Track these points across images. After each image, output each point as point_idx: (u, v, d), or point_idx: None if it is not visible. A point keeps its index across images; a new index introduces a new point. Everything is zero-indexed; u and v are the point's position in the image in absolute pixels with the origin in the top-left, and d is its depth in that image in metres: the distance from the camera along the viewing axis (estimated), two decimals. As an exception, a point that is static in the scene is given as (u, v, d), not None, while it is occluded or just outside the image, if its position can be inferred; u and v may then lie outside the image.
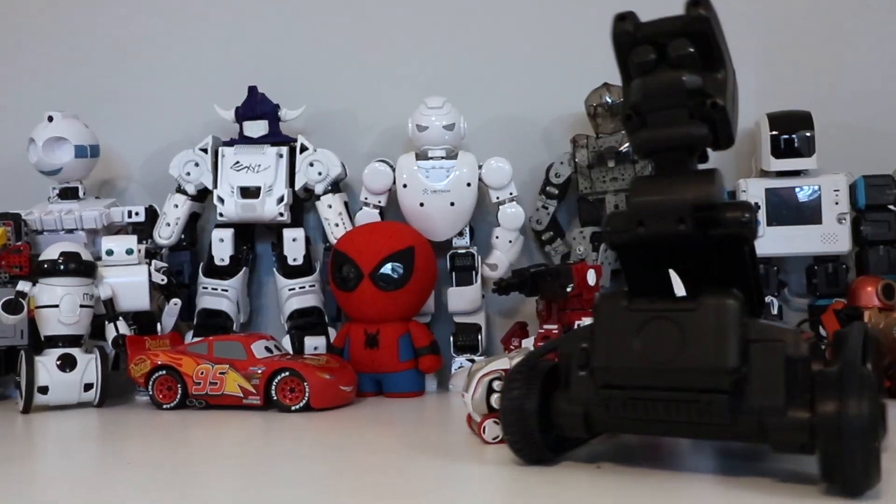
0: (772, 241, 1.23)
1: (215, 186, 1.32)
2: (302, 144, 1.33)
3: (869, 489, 0.56)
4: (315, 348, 1.29)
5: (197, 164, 1.33)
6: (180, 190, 1.34)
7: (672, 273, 0.98)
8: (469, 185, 1.29)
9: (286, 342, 1.29)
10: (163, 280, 1.25)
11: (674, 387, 0.64)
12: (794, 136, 1.23)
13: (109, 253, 1.24)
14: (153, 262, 1.25)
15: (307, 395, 1.06)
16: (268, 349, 1.13)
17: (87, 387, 1.14)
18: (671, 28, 0.65)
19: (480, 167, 1.30)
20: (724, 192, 0.67)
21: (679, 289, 0.83)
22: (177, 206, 1.34)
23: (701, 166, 0.67)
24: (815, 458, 0.58)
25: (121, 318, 1.22)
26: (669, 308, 0.67)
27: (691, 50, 0.64)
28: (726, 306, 0.63)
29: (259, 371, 1.08)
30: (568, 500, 0.65)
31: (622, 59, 0.69)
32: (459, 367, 1.29)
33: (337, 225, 1.32)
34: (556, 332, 1.08)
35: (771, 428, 0.60)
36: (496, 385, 0.78)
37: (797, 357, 0.61)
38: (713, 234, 0.64)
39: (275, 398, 1.07)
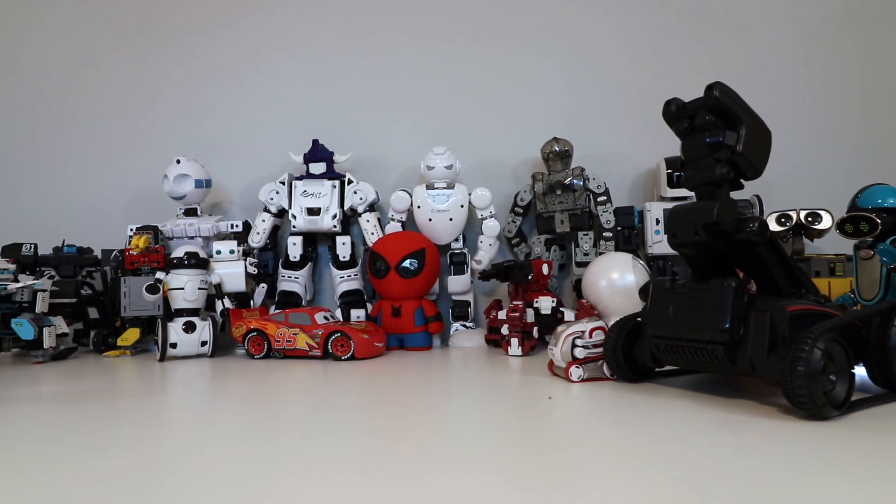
0: (667, 245, 1.22)
1: (290, 207, 1.32)
2: (349, 178, 1.34)
3: (817, 413, 0.58)
4: (357, 317, 1.29)
5: (278, 192, 1.33)
6: (266, 210, 1.34)
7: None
8: (462, 206, 1.29)
9: (338, 313, 1.29)
10: (254, 271, 1.26)
11: (691, 339, 0.69)
12: (682, 172, 1.23)
13: (218, 252, 1.24)
14: (248, 258, 1.26)
15: (353, 348, 1.06)
16: (325, 318, 1.13)
17: (203, 343, 1.15)
18: (697, 105, 0.69)
19: (470, 194, 1.30)
20: (733, 211, 0.68)
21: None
22: (263, 220, 1.34)
23: (737, 193, 0.70)
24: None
25: (226, 297, 1.22)
26: (691, 288, 0.71)
27: (708, 118, 0.67)
28: (723, 287, 0.66)
29: (320, 332, 1.08)
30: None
31: (672, 128, 0.72)
32: (455, 331, 1.29)
33: (372, 234, 1.32)
34: (521, 306, 1.09)
35: (758, 368, 0.64)
36: (578, 342, 0.81)
37: (779, 322, 0.63)
38: (735, 239, 0.68)
39: (330, 351, 1.08)
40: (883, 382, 0.70)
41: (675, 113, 0.71)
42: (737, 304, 0.65)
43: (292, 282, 1.32)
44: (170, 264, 1.17)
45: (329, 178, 1.33)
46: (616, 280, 1.10)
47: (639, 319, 0.79)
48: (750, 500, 0.41)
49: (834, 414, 0.60)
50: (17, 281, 1.11)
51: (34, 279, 1.14)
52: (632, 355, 0.80)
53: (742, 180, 0.70)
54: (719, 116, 0.67)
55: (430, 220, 1.29)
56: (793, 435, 0.55)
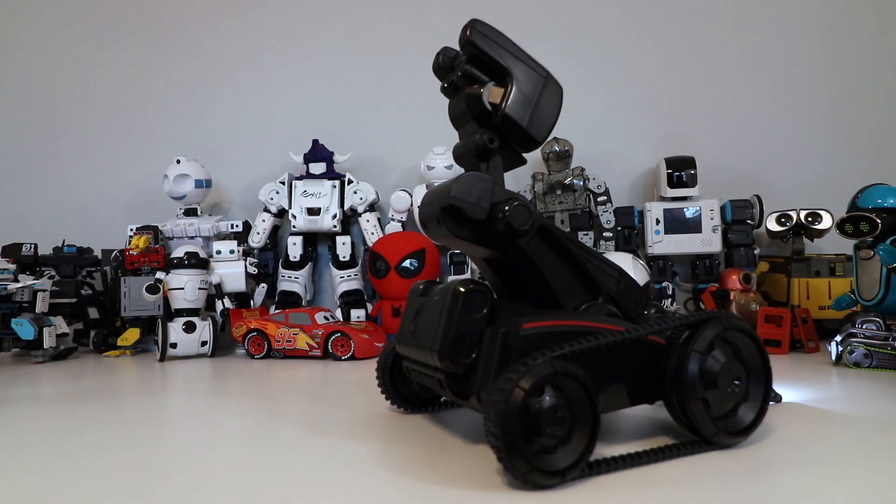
0: (667, 245, 1.23)
1: (290, 207, 1.32)
2: (349, 178, 1.34)
3: (526, 480, 0.42)
4: (357, 317, 1.29)
5: (278, 192, 1.33)
6: (266, 210, 1.34)
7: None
8: (462, 206, 1.28)
9: (338, 313, 1.29)
10: (254, 271, 1.26)
11: (420, 362, 0.52)
12: (682, 172, 1.24)
13: (218, 252, 1.24)
14: (248, 258, 1.26)
15: (353, 349, 1.06)
16: (325, 318, 1.13)
17: (203, 343, 1.15)
18: (457, 54, 0.53)
19: (470, 194, 1.29)
20: (489, 192, 0.49)
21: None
22: (263, 220, 1.34)
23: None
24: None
25: (226, 296, 1.22)
26: (431, 294, 0.53)
27: (467, 69, 0.51)
28: (446, 293, 0.48)
29: (320, 332, 1.08)
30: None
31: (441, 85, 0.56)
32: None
33: (372, 234, 1.32)
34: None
35: (483, 402, 0.43)
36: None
37: (513, 344, 0.46)
38: (496, 229, 0.49)
39: (330, 351, 1.08)
40: (685, 423, 0.50)
41: (443, 66, 0.54)
42: (463, 319, 0.47)
43: (292, 282, 1.32)
44: (170, 264, 1.17)
45: (329, 178, 1.33)
46: (616, 280, 1.10)
47: None
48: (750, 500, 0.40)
49: (553, 482, 0.42)
50: (17, 281, 1.11)
51: (34, 279, 1.14)
52: (404, 379, 0.64)
53: (522, 151, 0.52)
54: (484, 69, 0.51)
55: (429, 220, 1.28)
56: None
